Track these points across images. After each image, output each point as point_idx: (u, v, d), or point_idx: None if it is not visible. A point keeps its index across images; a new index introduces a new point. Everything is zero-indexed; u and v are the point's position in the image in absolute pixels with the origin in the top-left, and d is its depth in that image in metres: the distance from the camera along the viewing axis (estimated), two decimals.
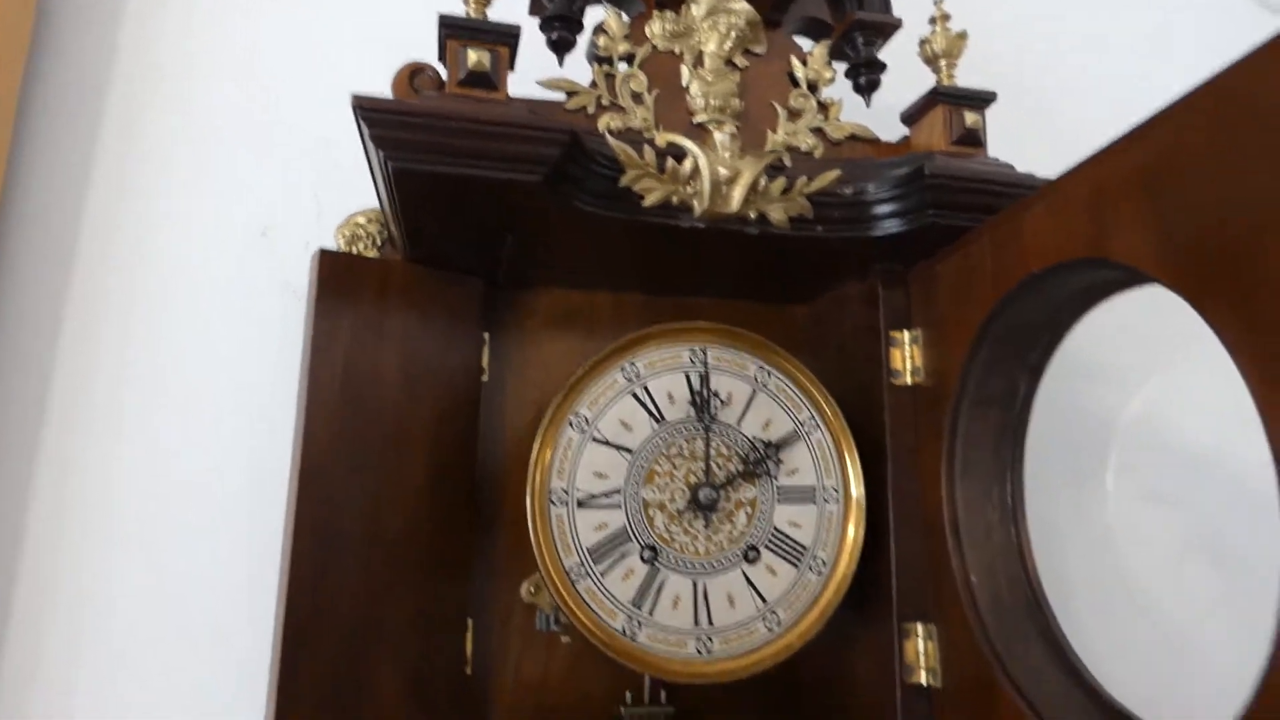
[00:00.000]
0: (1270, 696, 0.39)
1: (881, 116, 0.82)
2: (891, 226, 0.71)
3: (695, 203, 0.69)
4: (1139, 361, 0.90)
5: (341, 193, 0.96)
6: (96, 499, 0.84)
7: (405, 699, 0.76)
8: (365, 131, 0.59)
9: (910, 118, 0.79)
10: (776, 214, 0.70)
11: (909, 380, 0.79)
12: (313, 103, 0.99)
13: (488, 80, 0.64)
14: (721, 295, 0.96)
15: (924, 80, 0.78)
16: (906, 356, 0.79)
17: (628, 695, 0.79)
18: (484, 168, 0.61)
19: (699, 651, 0.72)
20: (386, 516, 0.78)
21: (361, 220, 0.90)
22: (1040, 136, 0.96)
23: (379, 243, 0.90)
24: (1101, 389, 0.92)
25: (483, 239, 0.76)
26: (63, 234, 0.90)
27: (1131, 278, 0.55)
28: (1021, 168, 0.76)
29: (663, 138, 0.69)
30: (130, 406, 0.87)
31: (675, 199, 0.69)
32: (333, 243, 0.88)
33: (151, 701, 0.81)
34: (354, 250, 0.89)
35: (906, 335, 0.79)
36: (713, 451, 0.75)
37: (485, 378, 0.88)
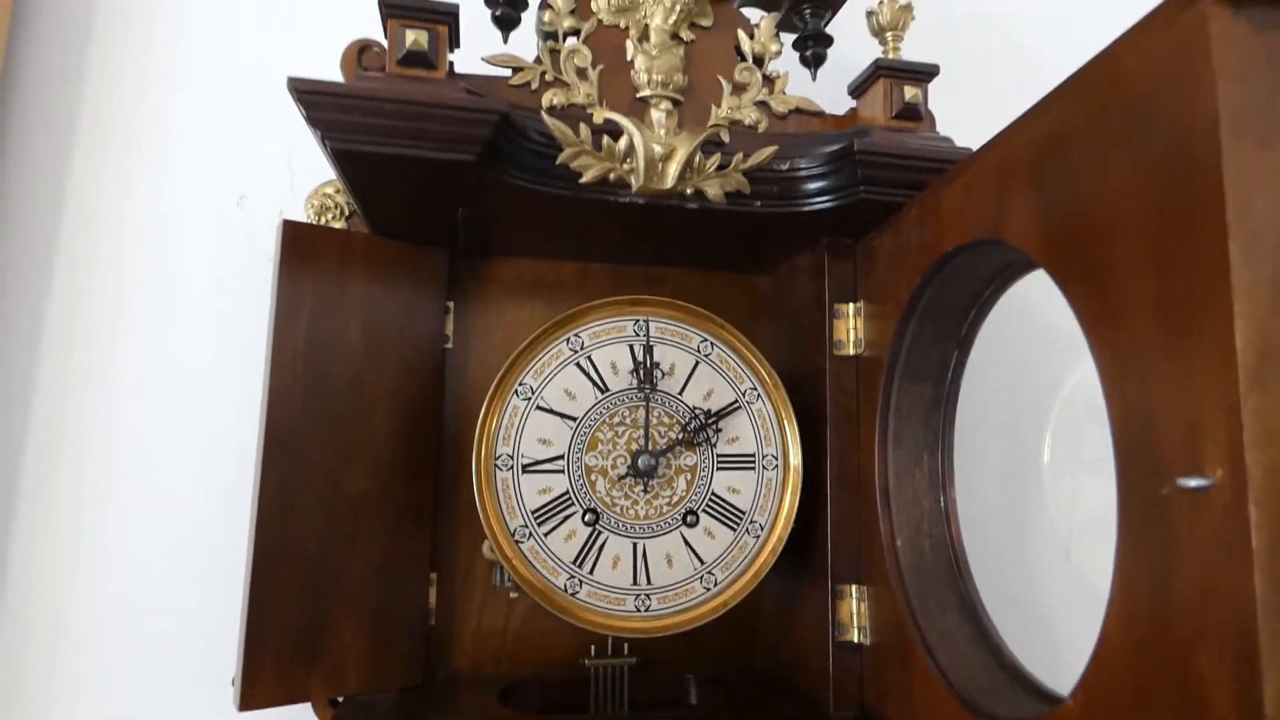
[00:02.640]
0: (1106, 653, 0.42)
1: (837, 88, 0.83)
2: (824, 202, 0.72)
3: (632, 179, 0.71)
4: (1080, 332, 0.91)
5: (315, 161, 0.99)
6: (81, 453, 0.89)
7: (368, 646, 0.81)
8: (303, 113, 0.61)
9: (856, 90, 0.79)
10: (713, 190, 0.72)
11: (851, 351, 0.81)
12: (288, 73, 1.01)
13: (426, 60, 0.66)
14: (686, 265, 0.98)
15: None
16: (850, 328, 0.81)
17: (592, 648, 0.82)
18: (418, 148, 0.63)
19: (638, 608, 0.76)
20: (350, 475, 0.82)
21: (330, 191, 0.93)
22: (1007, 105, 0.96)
23: (347, 213, 0.93)
24: (1043, 360, 0.93)
25: (435, 212, 0.78)
26: (49, 203, 0.93)
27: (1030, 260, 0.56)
28: (982, 137, 0.76)
29: (600, 114, 0.71)
30: (115, 369, 0.92)
31: (612, 175, 0.70)
32: (303, 210, 0.91)
33: (134, 643, 0.87)
34: (323, 220, 0.92)
35: (851, 307, 0.81)
36: (654, 420, 0.78)
37: (449, 345, 0.92)
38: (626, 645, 0.82)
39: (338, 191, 0.93)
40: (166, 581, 0.89)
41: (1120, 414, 0.40)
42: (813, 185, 0.72)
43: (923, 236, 0.67)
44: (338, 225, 0.92)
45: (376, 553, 0.83)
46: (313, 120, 0.61)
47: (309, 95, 0.61)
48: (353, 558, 0.82)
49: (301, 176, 0.99)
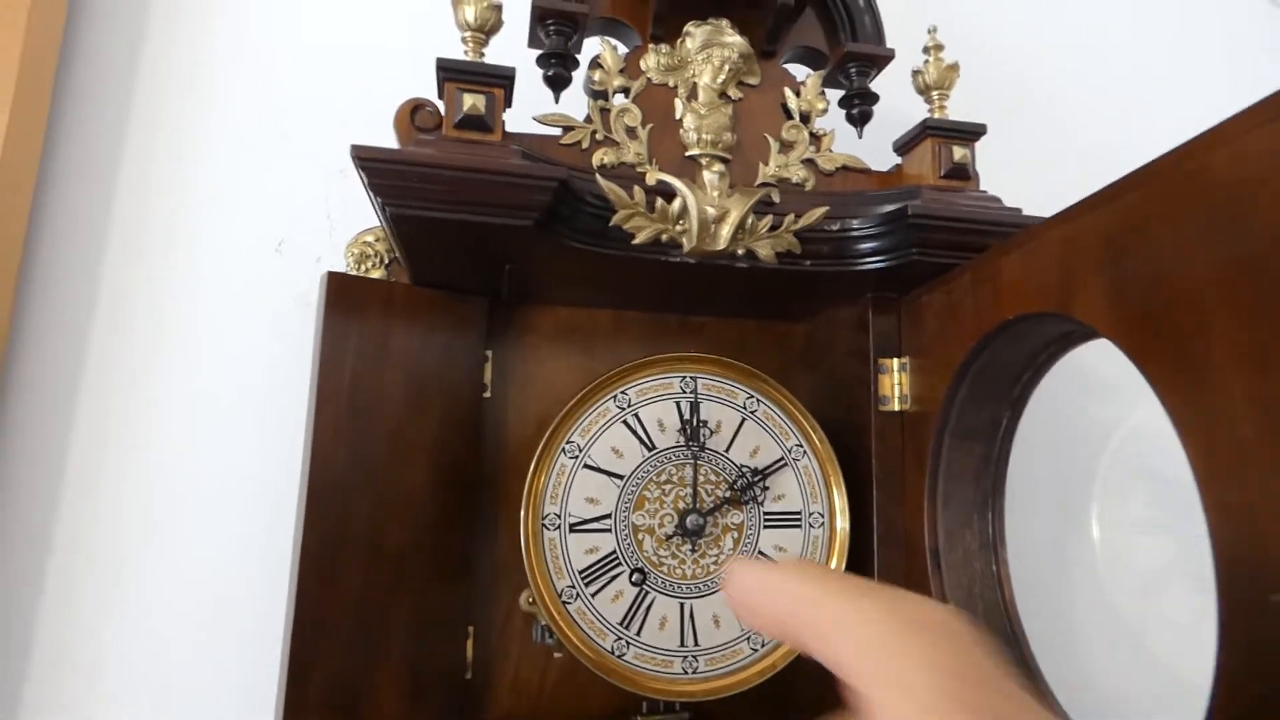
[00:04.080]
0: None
1: (879, 137, 0.83)
2: (875, 263, 0.72)
3: (684, 240, 0.71)
4: (1127, 388, 0.91)
5: (352, 206, 0.99)
6: (118, 504, 0.89)
7: (405, 704, 0.80)
8: (364, 180, 0.61)
9: (902, 148, 0.80)
10: (764, 251, 0.72)
11: (896, 407, 0.80)
12: (326, 121, 1.01)
13: (483, 123, 0.66)
14: (721, 314, 0.98)
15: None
16: (895, 384, 0.81)
17: (644, 704, 0.81)
18: (477, 213, 0.63)
19: (685, 670, 0.75)
20: (390, 528, 0.82)
21: (370, 239, 0.93)
22: (1055, 161, 0.97)
23: (386, 261, 0.92)
24: (1090, 416, 0.93)
25: (481, 267, 0.78)
26: (89, 248, 0.93)
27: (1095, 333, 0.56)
28: (1031, 192, 0.76)
29: (653, 175, 0.71)
30: (152, 416, 0.91)
31: (664, 236, 0.70)
32: (343, 258, 0.91)
33: (171, 699, 0.86)
34: (363, 268, 0.92)
35: (895, 363, 0.81)
36: (701, 478, 0.77)
37: (488, 394, 0.92)
38: (678, 703, 0.81)
39: (377, 240, 0.93)
40: (204, 636, 0.88)
41: (1218, 514, 0.39)
42: (865, 246, 0.72)
43: (978, 300, 0.66)
44: (376, 274, 0.91)
45: (414, 606, 0.82)
46: (374, 187, 0.61)
47: (371, 163, 0.61)
48: (391, 611, 0.81)
49: (340, 222, 1.00)
